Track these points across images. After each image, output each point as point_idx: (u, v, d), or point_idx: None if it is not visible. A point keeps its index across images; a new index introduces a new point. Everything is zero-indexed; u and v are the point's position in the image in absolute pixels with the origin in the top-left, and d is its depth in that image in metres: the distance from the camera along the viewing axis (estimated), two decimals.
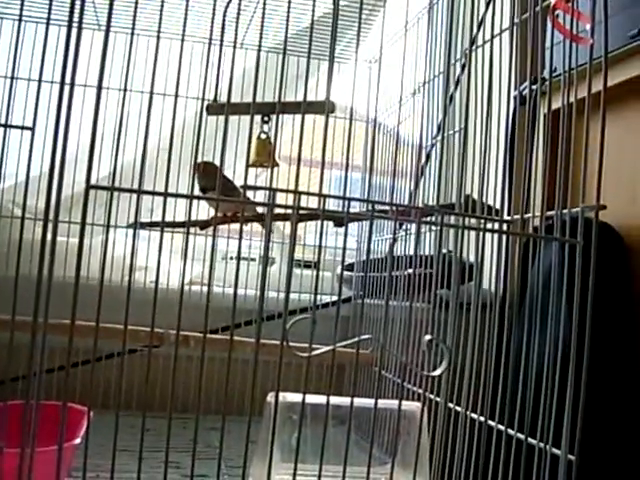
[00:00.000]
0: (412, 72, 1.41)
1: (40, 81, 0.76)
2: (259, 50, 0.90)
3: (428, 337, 0.84)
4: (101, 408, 0.94)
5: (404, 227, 1.48)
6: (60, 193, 0.71)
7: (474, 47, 1.23)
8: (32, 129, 0.74)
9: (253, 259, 1.87)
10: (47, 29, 0.78)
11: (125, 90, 0.79)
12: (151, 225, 1.30)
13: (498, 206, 1.04)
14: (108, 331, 0.87)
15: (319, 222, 0.92)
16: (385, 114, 1.66)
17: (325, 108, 0.86)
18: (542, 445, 0.89)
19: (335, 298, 1.69)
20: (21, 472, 0.70)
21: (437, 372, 0.85)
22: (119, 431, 0.76)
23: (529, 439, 0.90)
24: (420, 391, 1.05)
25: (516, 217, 1.00)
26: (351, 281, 1.81)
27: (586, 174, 0.88)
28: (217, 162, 0.95)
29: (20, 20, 0.75)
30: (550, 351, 0.91)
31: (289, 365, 0.78)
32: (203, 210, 1.48)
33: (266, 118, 1.39)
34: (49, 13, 0.80)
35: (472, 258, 1.02)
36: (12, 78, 0.75)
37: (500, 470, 0.90)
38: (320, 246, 0.88)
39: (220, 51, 0.85)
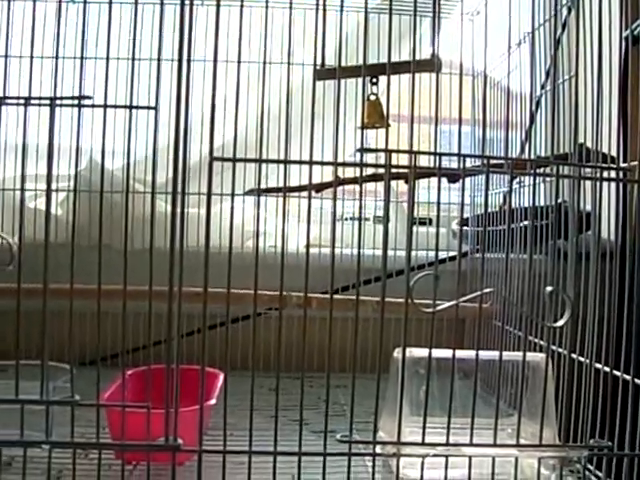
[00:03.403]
0: (517, 22, 1.38)
1: (159, 60, 0.79)
2: (366, 11, 0.92)
3: (550, 288, 0.84)
4: (230, 370, 0.99)
5: (517, 179, 1.46)
6: (185, 167, 0.75)
7: None
8: (155, 108, 0.77)
9: (367, 219, 1.89)
10: (162, 9, 0.81)
11: (239, 62, 0.81)
12: (268, 191, 1.33)
13: (614, 153, 1.02)
14: (235, 296, 0.91)
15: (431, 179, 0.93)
16: (491, 66, 1.63)
17: (432, 66, 0.86)
18: None
19: (451, 253, 1.69)
20: (167, 429, 0.75)
21: (560, 323, 0.85)
22: (248, 391, 0.82)
23: None
24: (543, 343, 1.05)
25: (634, 164, 0.98)
26: (467, 236, 1.81)
27: None
28: (329, 125, 0.97)
29: (136, 3, 0.78)
30: None
31: (409, 321, 0.80)
32: (316, 174, 1.50)
33: (374, 80, 1.39)
34: None
35: (589, 207, 1.00)
36: (132, 59, 0.79)
37: (628, 421, 0.89)
38: (439, 203, 0.89)
39: (324, 15, 0.86)
